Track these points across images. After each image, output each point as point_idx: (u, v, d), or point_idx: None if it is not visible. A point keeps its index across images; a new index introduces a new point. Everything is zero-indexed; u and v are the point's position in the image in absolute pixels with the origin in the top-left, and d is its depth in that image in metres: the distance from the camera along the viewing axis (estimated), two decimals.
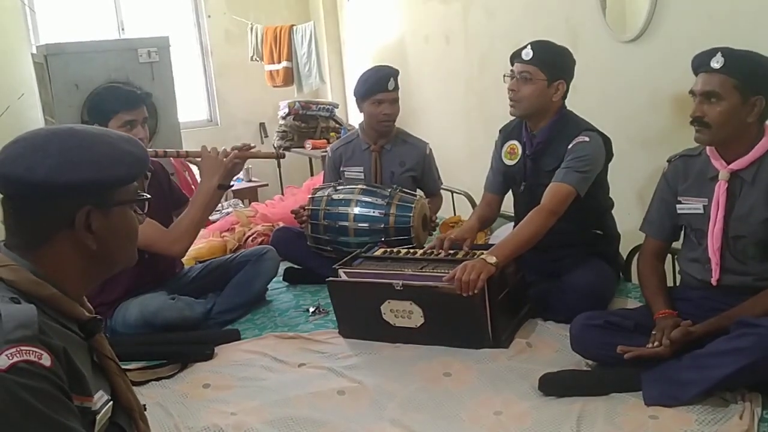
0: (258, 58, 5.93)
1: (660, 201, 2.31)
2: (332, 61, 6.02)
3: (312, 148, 5.37)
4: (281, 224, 3.65)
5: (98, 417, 1.14)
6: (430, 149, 3.43)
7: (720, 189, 2.10)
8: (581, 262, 2.58)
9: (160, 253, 2.61)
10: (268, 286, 3.03)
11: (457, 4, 4.48)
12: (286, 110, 5.55)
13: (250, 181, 5.78)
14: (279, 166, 5.45)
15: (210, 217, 3.13)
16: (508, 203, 2.91)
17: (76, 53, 4.40)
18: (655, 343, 2.01)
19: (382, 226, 2.98)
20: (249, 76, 6.01)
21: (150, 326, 2.58)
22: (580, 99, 2.91)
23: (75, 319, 1.19)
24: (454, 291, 2.27)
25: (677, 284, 2.43)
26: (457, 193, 3.88)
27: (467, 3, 4.40)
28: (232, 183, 2.82)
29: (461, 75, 4.56)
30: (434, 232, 3.29)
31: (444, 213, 3.75)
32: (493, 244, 2.56)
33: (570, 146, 2.53)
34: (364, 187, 3.12)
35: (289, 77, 5.75)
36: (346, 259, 2.63)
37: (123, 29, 5.61)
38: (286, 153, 5.26)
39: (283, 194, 4.80)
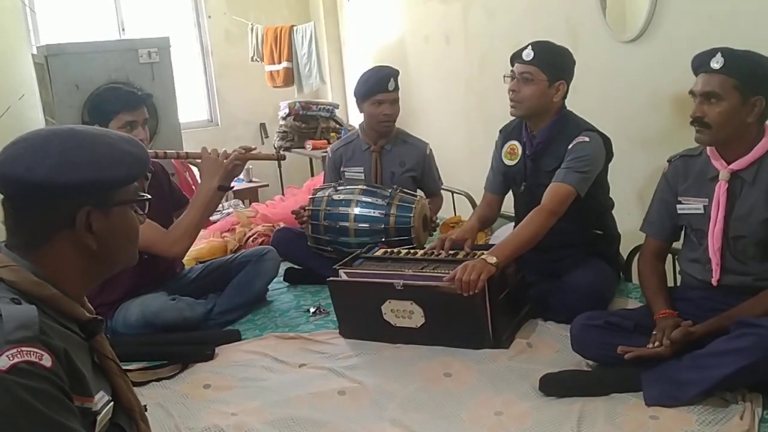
0: (258, 59, 5.93)
1: (660, 201, 2.31)
2: (332, 61, 6.02)
3: (312, 149, 5.37)
4: (282, 225, 3.65)
5: (99, 417, 1.14)
6: (431, 149, 3.43)
7: (720, 189, 2.10)
8: (581, 262, 2.58)
9: (159, 254, 2.61)
10: (269, 286, 3.03)
11: (457, 4, 4.48)
12: (287, 110, 5.55)
13: (250, 181, 5.78)
14: (279, 166, 5.44)
15: (210, 218, 3.13)
16: (508, 203, 2.91)
17: (76, 54, 4.40)
18: (656, 344, 2.01)
19: (383, 226, 2.98)
20: (249, 77, 6.01)
21: (150, 327, 2.58)
22: (580, 99, 2.92)
23: (75, 320, 1.19)
24: (454, 291, 2.27)
25: (677, 284, 2.43)
26: (457, 193, 3.89)
27: (467, 3, 4.40)
28: (232, 184, 2.82)
29: (461, 75, 4.56)
30: (435, 233, 3.29)
31: (444, 213, 3.75)
32: (493, 245, 2.56)
33: (570, 146, 2.53)
34: (365, 187, 3.12)
35: (290, 77, 5.75)
36: (346, 259, 2.63)
37: (123, 30, 5.61)
38: (287, 153, 5.28)
39: (283, 195, 4.80)
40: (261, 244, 3.49)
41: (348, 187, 3.14)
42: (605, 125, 2.68)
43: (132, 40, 4.94)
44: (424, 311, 2.38)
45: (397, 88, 3.25)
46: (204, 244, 3.59)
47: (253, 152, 2.80)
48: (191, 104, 5.88)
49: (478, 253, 2.46)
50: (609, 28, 3.35)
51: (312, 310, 2.83)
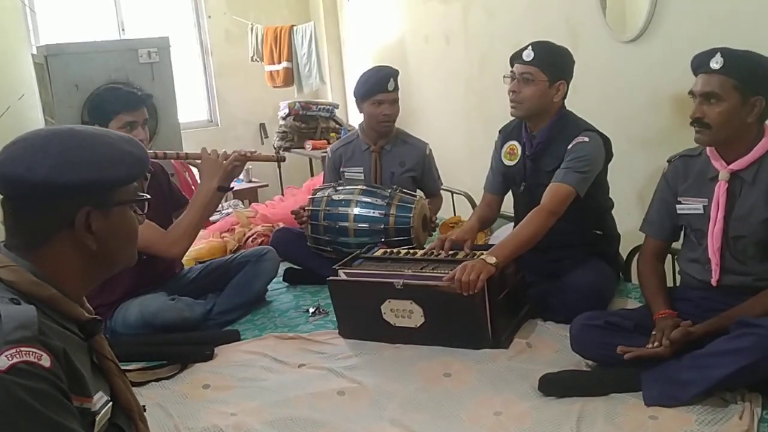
0: (258, 59, 5.93)
1: (660, 201, 2.31)
2: (332, 61, 6.02)
3: (312, 149, 5.37)
4: (281, 225, 3.65)
5: (98, 418, 1.14)
6: (430, 149, 3.43)
7: (720, 189, 2.10)
8: (581, 262, 2.58)
9: (158, 254, 2.61)
10: (268, 286, 3.03)
11: (457, 4, 4.48)
12: (287, 111, 5.55)
13: (250, 181, 5.79)
14: (279, 167, 5.45)
15: (210, 218, 3.13)
16: (508, 203, 2.91)
17: (76, 54, 4.40)
18: (655, 344, 2.01)
19: (382, 226, 2.98)
20: (249, 77, 6.01)
21: (150, 327, 2.58)
22: (580, 99, 2.92)
23: (75, 320, 1.19)
24: (454, 290, 2.27)
25: (677, 284, 2.43)
26: (457, 193, 3.89)
27: (467, 3, 4.40)
28: (231, 185, 2.82)
29: (461, 75, 4.56)
30: (434, 233, 3.29)
31: (444, 213, 3.75)
32: (493, 245, 2.56)
33: (570, 146, 2.53)
34: (364, 187, 3.12)
35: (290, 77, 5.75)
36: (346, 259, 2.64)
37: (123, 30, 5.61)
38: (286, 153, 5.28)
39: (283, 195, 4.80)
40: (260, 244, 3.49)
41: (347, 187, 3.14)
42: (605, 125, 2.68)
43: (132, 40, 4.94)
44: (423, 311, 2.38)
45: (396, 88, 3.25)
46: (203, 244, 3.59)
47: (253, 154, 2.80)
48: (191, 104, 5.88)
49: (478, 253, 2.46)
50: (609, 28, 3.35)
51: (311, 310, 2.83)
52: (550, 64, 2.56)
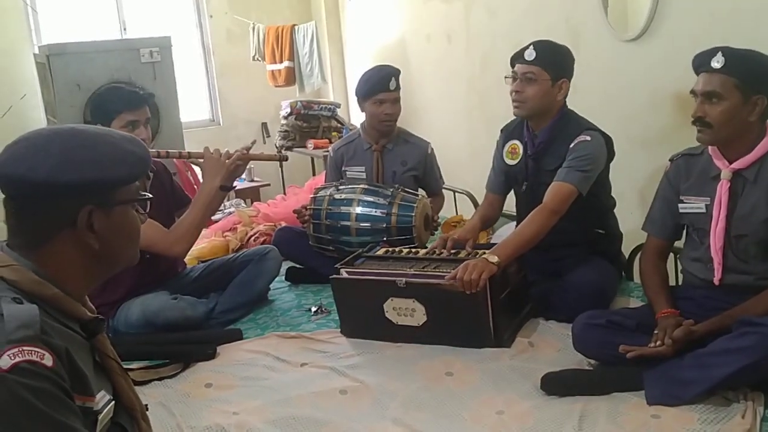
0: (260, 58, 5.93)
1: (662, 200, 2.31)
2: (334, 60, 6.02)
3: (314, 148, 5.38)
4: (283, 224, 3.65)
5: (100, 417, 1.14)
6: (432, 149, 3.43)
7: (722, 188, 2.10)
8: (583, 261, 2.58)
9: (161, 253, 2.61)
10: (270, 285, 3.03)
11: (459, 4, 4.48)
12: (288, 110, 5.55)
13: (252, 180, 5.79)
14: (281, 166, 5.44)
15: (212, 217, 3.13)
16: (510, 202, 2.91)
17: (78, 53, 4.41)
18: (657, 343, 2.00)
19: (384, 225, 2.98)
20: (251, 76, 6.01)
21: (152, 326, 2.58)
22: (582, 98, 2.91)
23: (77, 319, 1.19)
24: (456, 289, 2.27)
25: (679, 283, 2.43)
26: (459, 192, 3.89)
27: (469, 2, 4.40)
28: (234, 184, 2.82)
29: (463, 74, 4.56)
30: (436, 232, 3.29)
31: (446, 212, 3.75)
32: (495, 244, 2.56)
33: (571, 145, 2.53)
34: (366, 186, 3.12)
35: (291, 77, 5.76)
36: (348, 258, 2.63)
37: (125, 29, 5.61)
38: (288, 153, 5.28)
39: (285, 194, 4.80)
40: (263, 243, 3.50)
41: (349, 186, 3.14)
42: (607, 124, 2.68)
43: (133, 39, 4.95)
44: (426, 309, 2.38)
45: (398, 87, 3.24)
46: (206, 243, 3.59)
47: (255, 152, 2.80)
48: (193, 104, 5.89)
49: (480, 252, 2.46)
50: (610, 27, 3.35)
51: (313, 309, 2.83)
52: (552, 62, 2.56)
